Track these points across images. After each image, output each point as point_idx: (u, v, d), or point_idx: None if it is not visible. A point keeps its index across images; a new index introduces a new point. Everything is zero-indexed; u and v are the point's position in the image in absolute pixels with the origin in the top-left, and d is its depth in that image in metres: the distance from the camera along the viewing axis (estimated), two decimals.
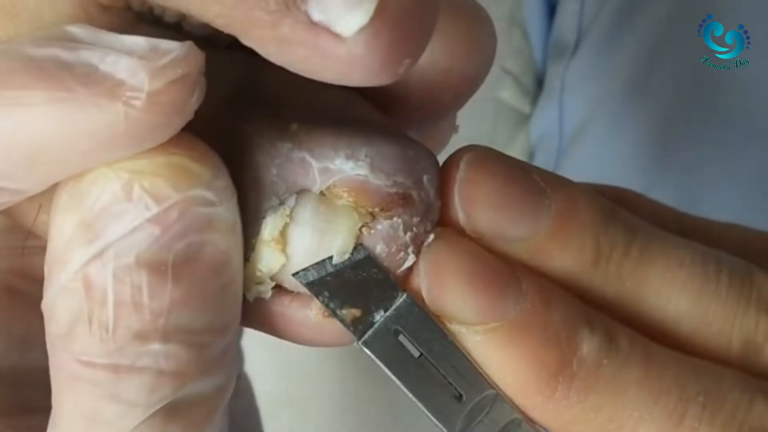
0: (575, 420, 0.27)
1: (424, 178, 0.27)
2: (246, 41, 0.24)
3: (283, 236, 0.26)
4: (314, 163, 0.26)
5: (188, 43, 0.24)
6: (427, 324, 0.27)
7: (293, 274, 0.27)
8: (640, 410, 0.26)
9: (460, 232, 0.27)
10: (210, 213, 0.24)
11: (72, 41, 0.24)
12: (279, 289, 0.27)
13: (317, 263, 0.27)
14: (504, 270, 0.27)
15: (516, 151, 0.61)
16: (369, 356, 0.27)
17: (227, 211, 0.25)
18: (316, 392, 0.61)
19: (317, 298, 0.27)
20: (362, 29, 0.23)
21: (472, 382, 0.27)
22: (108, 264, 0.24)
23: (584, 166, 0.58)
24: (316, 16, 0.23)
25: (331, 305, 0.27)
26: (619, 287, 0.28)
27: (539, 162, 0.61)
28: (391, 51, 0.23)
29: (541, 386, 0.26)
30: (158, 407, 0.24)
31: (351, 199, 0.26)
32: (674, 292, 0.28)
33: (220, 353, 0.25)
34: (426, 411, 0.27)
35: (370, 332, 0.27)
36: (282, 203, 0.26)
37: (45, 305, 0.25)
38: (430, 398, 0.27)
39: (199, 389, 0.25)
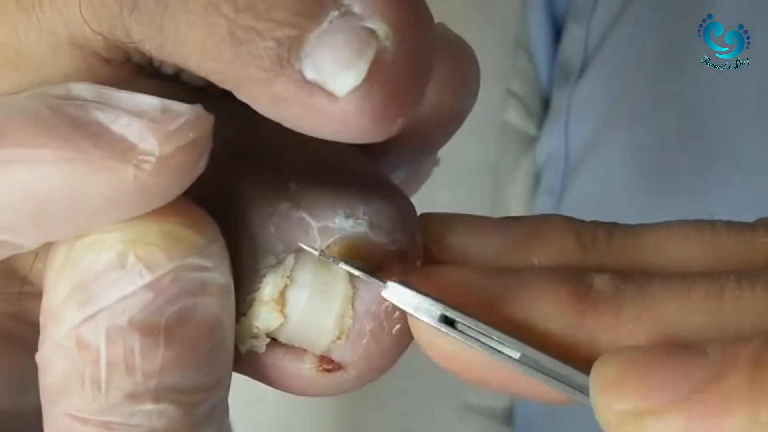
0: (617, 341, 0.25)
1: (417, 235, 0.27)
2: (241, 97, 0.24)
3: (282, 297, 0.26)
4: (313, 223, 0.26)
5: (198, 107, 0.24)
6: (428, 295, 0.25)
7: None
8: (677, 301, 0.24)
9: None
10: (203, 278, 0.24)
11: (79, 99, 0.24)
12: (273, 341, 0.27)
13: None
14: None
15: (522, 173, 0.61)
16: (399, 295, 0.25)
17: (220, 276, 0.25)
18: (319, 416, 0.61)
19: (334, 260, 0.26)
20: (355, 89, 0.23)
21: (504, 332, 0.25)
22: (101, 325, 0.24)
23: (590, 189, 0.58)
24: (310, 74, 0.23)
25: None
26: (616, 260, 0.26)
27: (545, 184, 0.61)
28: (384, 111, 0.23)
29: (568, 318, 0.25)
30: None
31: (351, 256, 0.26)
32: (673, 243, 0.26)
33: (210, 409, 0.25)
34: (479, 322, 0.25)
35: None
36: (281, 262, 0.26)
37: (40, 358, 0.25)
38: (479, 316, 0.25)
39: None
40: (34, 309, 0.27)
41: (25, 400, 0.28)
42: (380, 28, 0.23)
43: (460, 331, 0.25)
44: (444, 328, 0.25)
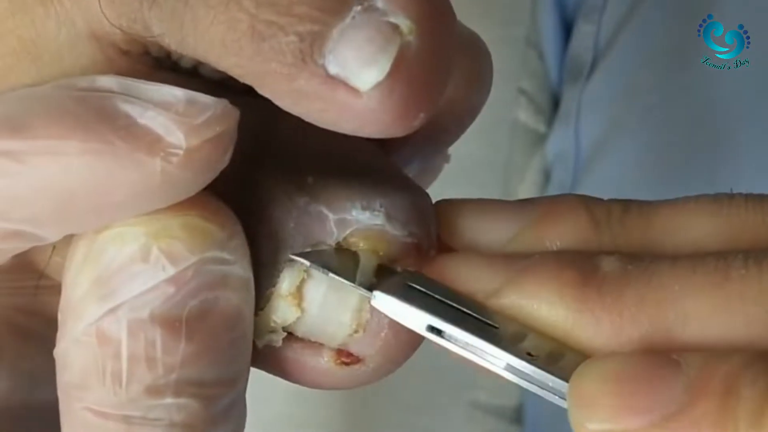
0: (619, 323, 0.24)
1: (431, 228, 0.27)
2: (262, 92, 0.24)
3: (299, 291, 0.26)
4: (331, 216, 0.26)
5: (224, 100, 0.24)
6: (437, 285, 0.26)
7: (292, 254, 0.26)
8: (682, 281, 0.24)
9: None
10: (224, 271, 0.25)
11: (105, 91, 0.24)
12: (289, 335, 0.27)
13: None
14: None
15: (532, 171, 0.61)
16: (386, 305, 0.25)
17: (241, 269, 0.25)
18: (328, 414, 0.61)
19: (322, 270, 0.26)
20: (378, 84, 0.23)
21: (501, 319, 0.25)
22: (122, 319, 0.24)
23: (601, 186, 0.57)
24: (333, 70, 0.23)
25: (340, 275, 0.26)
26: (628, 239, 0.26)
27: (556, 182, 0.60)
28: (407, 106, 0.23)
29: (570, 302, 0.25)
30: None
31: (368, 246, 0.26)
32: (688, 218, 0.26)
33: (230, 404, 0.25)
34: (464, 331, 0.25)
35: (383, 285, 0.26)
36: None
37: (58, 353, 0.25)
38: (465, 325, 0.25)
39: None
40: (50, 304, 0.27)
41: (38, 395, 0.28)
42: (403, 23, 0.23)
43: (447, 339, 0.25)
44: (432, 337, 0.25)
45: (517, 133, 0.60)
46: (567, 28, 0.61)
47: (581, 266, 0.25)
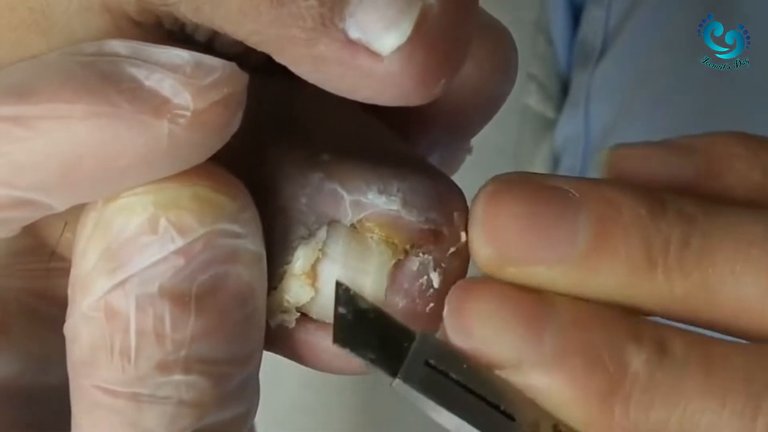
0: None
1: (455, 214, 0.27)
2: (280, 59, 0.24)
3: (313, 270, 0.26)
4: (346, 196, 0.26)
5: (232, 63, 0.23)
6: (458, 356, 0.25)
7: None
8: (709, 415, 0.24)
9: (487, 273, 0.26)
10: (235, 245, 0.24)
11: (112, 55, 0.24)
12: (303, 316, 0.27)
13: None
14: (535, 300, 0.25)
15: (541, 156, 0.61)
16: (406, 392, 0.25)
17: (252, 244, 0.25)
18: (338, 402, 0.61)
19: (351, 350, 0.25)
20: (399, 48, 0.23)
21: (520, 405, 0.24)
22: (130, 293, 0.23)
23: None
24: (354, 34, 0.23)
25: (367, 355, 0.25)
26: (685, 283, 0.25)
27: (565, 167, 0.60)
28: (428, 71, 0.23)
29: (595, 413, 0.24)
30: None
31: (383, 234, 0.26)
32: (748, 271, 0.25)
33: (241, 384, 0.25)
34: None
35: (403, 366, 0.24)
36: (312, 234, 0.26)
37: (68, 329, 0.25)
38: (482, 420, 0.24)
39: (220, 419, 0.25)
40: (61, 286, 0.27)
41: (49, 377, 0.28)
42: None
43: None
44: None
45: (526, 118, 0.60)
46: (576, 13, 0.60)
47: (610, 368, 0.24)
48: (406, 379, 0.24)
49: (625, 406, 0.24)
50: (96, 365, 0.24)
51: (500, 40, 0.30)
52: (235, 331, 0.24)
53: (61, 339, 0.25)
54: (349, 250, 0.26)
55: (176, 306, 0.23)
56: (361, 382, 0.60)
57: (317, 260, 0.26)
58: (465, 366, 0.25)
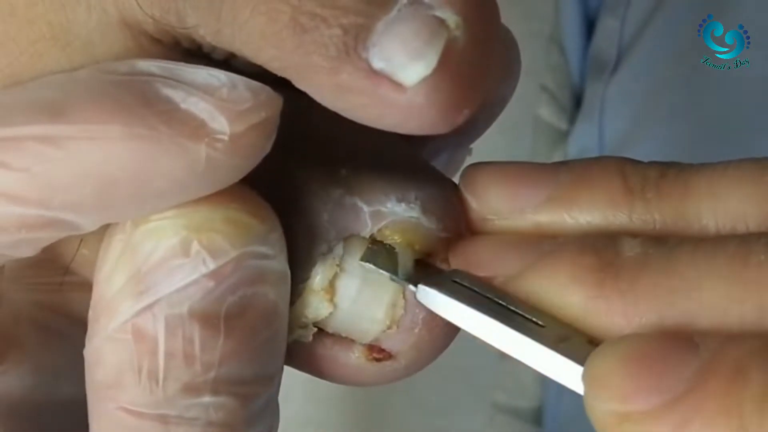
0: (633, 310, 0.24)
1: (462, 223, 0.27)
2: (301, 86, 0.23)
3: (332, 286, 0.26)
4: (365, 208, 0.26)
5: (267, 87, 0.23)
6: (475, 279, 0.25)
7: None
8: (700, 267, 0.23)
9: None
10: (263, 265, 0.24)
11: (146, 74, 0.23)
12: (320, 331, 0.27)
13: None
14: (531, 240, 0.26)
15: None
16: (431, 299, 0.25)
17: (279, 263, 0.25)
18: (347, 415, 0.61)
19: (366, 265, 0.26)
20: (424, 79, 0.22)
21: (542, 316, 0.25)
22: (160, 315, 0.23)
23: None
24: (377, 64, 0.22)
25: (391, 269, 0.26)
26: (662, 208, 0.25)
27: None
28: (451, 101, 0.23)
29: (586, 288, 0.24)
30: None
31: (404, 240, 0.26)
32: (728, 185, 0.25)
33: (266, 403, 0.25)
34: (516, 332, 0.24)
35: (427, 279, 0.25)
36: (330, 250, 0.26)
37: (89, 352, 0.24)
38: (510, 322, 0.24)
39: None
40: (74, 300, 0.27)
41: (60, 391, 0.28)
42: (450, 17, 0.22)
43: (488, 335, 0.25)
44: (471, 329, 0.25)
45: (539, 130, 0.60)
46: (589, 25, 0.60)
47: (602, 251, 0.24)
48: (433, 285, 0.25)
49: (614, 275, 0.24)
50: (122, 387, 0.24)
51: (507, 44, 0.30)
52: (262, 351, 0.24)
53: (72, 353, 0.25)
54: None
55: (206, 328, 0.23)
56: (369, 395, 0.60)
57: (335, 275, 0.26)
58: (493, 289, 0.25)
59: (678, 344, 0.23)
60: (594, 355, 0.23)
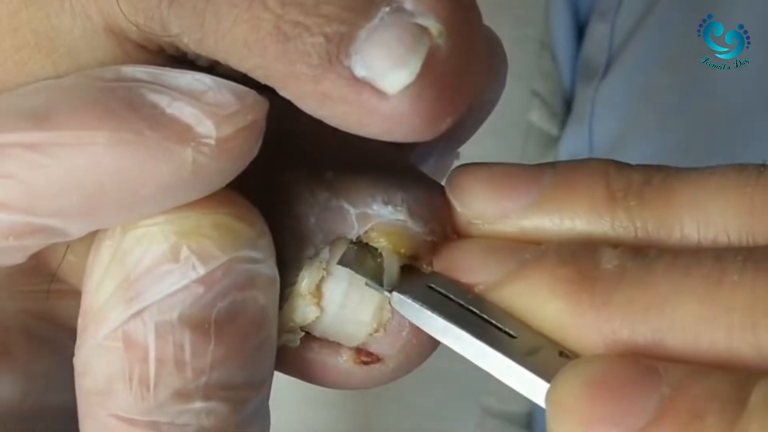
0: (608, 326, 0.24)
1: (447, 226, 0.27)
2: (285, 94, 0.24)
3: (318, 290, 0.26)
4: (352, 210, 0.26)
5: (252, 90, 0.23)
6: (455, 285, 0.25)
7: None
8: (674, 284, 0.23)
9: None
10: (253, 270, 0.24)
11: (132, 80, 0.23)
12: (307, 335, 0.27)
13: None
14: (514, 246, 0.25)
15: None
16: (404, 307, 0.25)
17: (268, 268, 0.25)
18: (337, 419, 0.61)
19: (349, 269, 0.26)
20: (407, 87, 0.22)
21: (522, 331, 0.24)
22: (150, 322, 0.23)
23: None
24: (360, 71, 0.22)
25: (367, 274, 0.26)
26: (644, 216, 0.25)
27: None
28: (435, 109, 0.23)
29: (562, 301, 0.24)
30: None
31: (390, 244, 0.26)
32: (711, 193, 0.25)
33: (257, 408, 0.25)
34: (483, 344, 0.24)
35: (403, 286, 0.25)
36: (317, 254, 0.26)
37: (78, 361, 0.25)
38: (481, 332, 0.24)
39: None
40: (61, 307, 0.27)
41: (50, 398, 0.28)
42: (433, 25, 0.22)
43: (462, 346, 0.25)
44: (447, 342, 0.25)
45: (530, 135, 0.60)
46: (579, 30, 0.60)
47: (581, 262, 0.24)
48: (404, 292, 0.25)
49: (590, 288, 0.24)
50: (112, 394, 0.24)
51: (493, 49, 0.30)
52: (253, 356, 0.24)
53: (61, 360, 0.25)
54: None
55: (196, 333, 0.23)
56: (360, 399, 0.60)
57: (322, 279, 0.26)
58: (469, 296, 0.25)
59: (642, 372, 0.22)
60: (558, 377, 0.23)
